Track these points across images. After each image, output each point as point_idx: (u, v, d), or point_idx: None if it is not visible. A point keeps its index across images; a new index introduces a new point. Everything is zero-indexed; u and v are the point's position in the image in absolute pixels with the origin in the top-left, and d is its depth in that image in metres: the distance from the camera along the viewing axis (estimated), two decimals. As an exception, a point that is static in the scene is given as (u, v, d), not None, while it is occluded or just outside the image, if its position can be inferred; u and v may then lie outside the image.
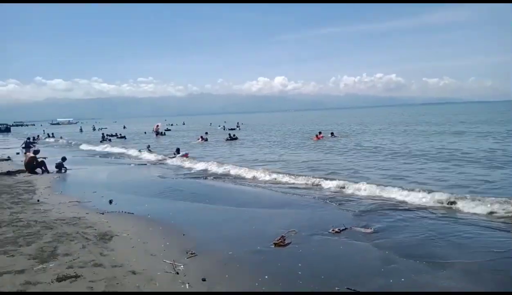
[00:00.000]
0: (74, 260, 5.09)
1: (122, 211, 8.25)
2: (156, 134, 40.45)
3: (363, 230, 6.61)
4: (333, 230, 6.53)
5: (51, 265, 4.89)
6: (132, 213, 8.10)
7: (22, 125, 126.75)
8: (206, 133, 33.68)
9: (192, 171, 14.64)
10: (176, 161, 17.37)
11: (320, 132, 27.97)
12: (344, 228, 6.66)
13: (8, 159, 19.92)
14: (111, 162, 19.04)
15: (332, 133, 28.44)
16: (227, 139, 28.94)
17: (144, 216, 7.92)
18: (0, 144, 37.06)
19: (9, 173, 13.83)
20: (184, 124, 76.58)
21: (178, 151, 19.24)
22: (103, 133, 38.75)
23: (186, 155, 18.77)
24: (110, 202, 9.31)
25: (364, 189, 9.61)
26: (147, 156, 20.08)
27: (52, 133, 47.51)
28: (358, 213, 7.80)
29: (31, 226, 6.82)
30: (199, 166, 15.17)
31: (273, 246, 5.83)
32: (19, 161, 18.12)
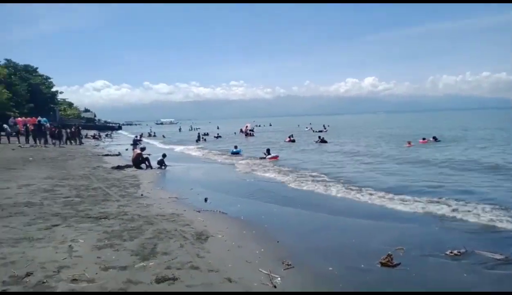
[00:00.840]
0: (172, 260, 5.08)
1: (217, 211, 8.27)
2: (246, 135, 41.54)
3: (491, 255, 5.45)
4: (451, 252, 5.52)
5: (151, 263, 4.93)
6: (226, 213, 8.07)
7: (131, 124, 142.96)
8: (292, 135, 33.41)
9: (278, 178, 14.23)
10: (261, 168, 17.27)
11: (424, 138, 25.65)
12: (465, 250, 5.58)
13: (119, 154, 22.22)
14: (205, 161, 19.84)
15: (434, 138, 25.77)
16: (316, 142, 28.22)
17: (237, 217, 7.81)
18: (113, 140, 41.95)
19: (118, 167, 15.25)
20: (271, 125, 77.69)
21: (268, 151, 19.20)
22: (198, 133, 41.08)
23: (276, 157, 18.60)
24: (205, 200, 9.48)
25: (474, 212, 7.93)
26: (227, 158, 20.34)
27: (154, 133, 52.03)
28: (477, 233, 6.55)
29: (134, 220, 7.16)
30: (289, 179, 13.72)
31: (379, 266, 5.10)
32: (127, 156, 20.01)
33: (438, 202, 8.76)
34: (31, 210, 7.70)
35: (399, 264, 5.11)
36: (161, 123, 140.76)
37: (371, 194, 9.95)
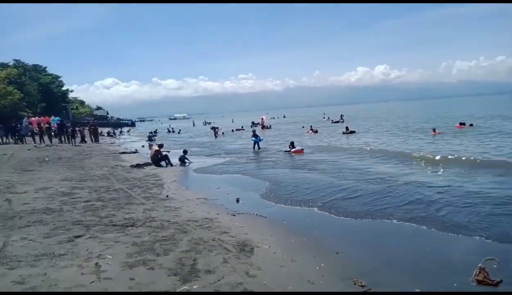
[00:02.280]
0: (218, 280, 4.20)
1: (254, 213, 7.37)
2: (262, 127, 40.51)
3: None
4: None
5: (194, 286, 4.07)
6: (265, 217, 7.15)
7: (143, 120, 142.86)
8: (312, 126, 32.38)
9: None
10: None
11: (463, 123, 25.52)
12: None
13: (136, 151, 21.49)
14: (226, 156, 18.84)
15: (471, 124, 25.03)
16: (344, 133, 26.89)
17: (278, 221, 6.90)
18: (127, 137, 41.48)
19: (138, 166, 14.48)
20: (284, 117, 76.43)
21: (293, 144, 18.14)
22: (213, 128, 40.03)
23: (301, 150, 17.57)
24: (237, 200, 8.61)
25: None
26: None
27: (173, 128, 51.12)
28: None
29: (165, 228, 6.32)
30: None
31: (474, 284, 4.13)
32: (145, 153, 19.27)
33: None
34: (50, 218, 6.93)
35: (500, 281, 4.12)
36: (175, 118, 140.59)
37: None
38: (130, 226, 6.47)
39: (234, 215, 7.27)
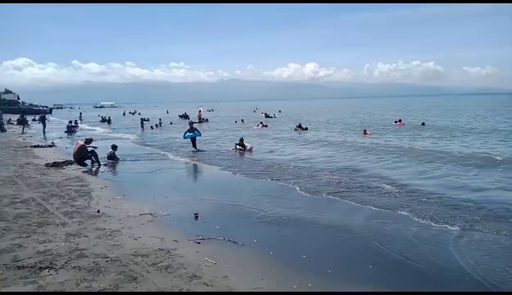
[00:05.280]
0: None
1: (225, 238, 5.55)
2: (199, 120, 37.93)
3: None
4: None
5: None
6: (242, 244, 5.38)
7: (61, 108, 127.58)
8: (261, 121, 31.00)
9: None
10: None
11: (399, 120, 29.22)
12: None
13: (52, 145, 17.88)
14: (164, 156, 16.44)
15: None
16: (296, 129, 26.03)
17: (262, 251, 5.16)
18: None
19: (55, 165, 11.58)
20: (212, 110, 72.01)
21: (242, 141, 16.28)
22: (143, 119, 36.36)
23: (250, 150, 15.86)
24: (196, 217, 6.70)
25: None
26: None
27: (105, 117, 44.51)
28: None
29: (101, 272, 4.23)
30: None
31: None
32: (64, 147, 16.06)
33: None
34: None
35: None
36: (101, 107, 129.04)
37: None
38: (46, 268, 4.29)
39: (199, 243, 5.38)
